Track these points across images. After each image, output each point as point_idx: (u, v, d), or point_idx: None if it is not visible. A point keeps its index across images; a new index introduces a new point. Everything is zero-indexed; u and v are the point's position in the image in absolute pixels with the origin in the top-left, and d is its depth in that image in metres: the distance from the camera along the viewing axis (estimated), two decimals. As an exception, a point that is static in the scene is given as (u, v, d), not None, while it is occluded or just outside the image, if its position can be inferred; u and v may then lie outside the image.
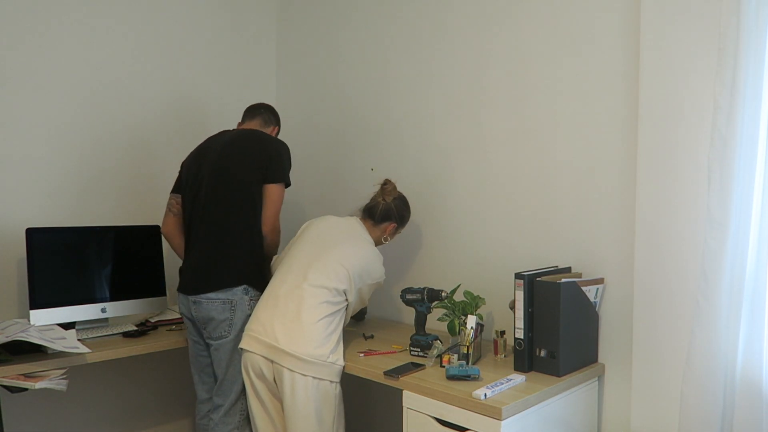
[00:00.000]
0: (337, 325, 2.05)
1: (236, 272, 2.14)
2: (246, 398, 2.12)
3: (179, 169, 2.41)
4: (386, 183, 2.31)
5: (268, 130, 2.41)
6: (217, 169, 2.19)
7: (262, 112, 2.42)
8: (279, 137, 2.44)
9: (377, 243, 2.30)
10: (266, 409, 2.05)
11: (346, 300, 2.09)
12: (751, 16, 1.57)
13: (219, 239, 2.16)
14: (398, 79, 2.67)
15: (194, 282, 2.16)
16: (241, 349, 2.06)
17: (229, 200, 2.17)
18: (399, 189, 2.67)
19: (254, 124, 2.39)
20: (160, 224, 2.63)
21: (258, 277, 2.19)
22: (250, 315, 2.13)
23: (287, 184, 2.26)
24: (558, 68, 2.12)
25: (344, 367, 2.01)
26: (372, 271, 2.17)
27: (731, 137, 1.60)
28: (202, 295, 2.12)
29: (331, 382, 1.98)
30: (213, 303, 2.12)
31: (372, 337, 2.35)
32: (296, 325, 1.97)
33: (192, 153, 2.35)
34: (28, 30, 2.42)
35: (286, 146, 2.29)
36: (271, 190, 2.19)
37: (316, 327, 1.97)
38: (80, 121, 2.57)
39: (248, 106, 2.47)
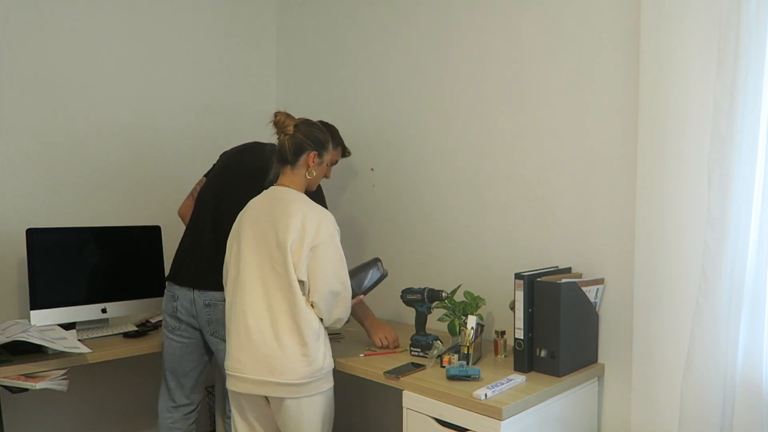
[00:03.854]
0: (319, 322, 1.86)
1: None
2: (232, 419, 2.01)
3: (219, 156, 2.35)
4: (276, 116, 1.91)
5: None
6: (240, 186, 2.13)
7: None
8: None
9: (309, 187, 1.99)
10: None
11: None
12: (751, 16, 1.57)
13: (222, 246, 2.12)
14: (398, 79, 2.67)
15: (205, 278, 2.11)
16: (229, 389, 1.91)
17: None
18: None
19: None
20: (160, 224, 2.66)
21: None
22: None
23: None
24: (558, 68, 2.12)
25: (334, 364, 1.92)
26: (320, 229, 1.84)
27: (731, 137, 1.60)
28: (218, 299, 2.07)
29: (327, 391, 1.88)
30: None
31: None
32: (280, 351, 1.79)
33: (232, 155, 2.27)
34: (27, 29, 2.41)
35: (322, 194, 2.20)
36: None
37: (302, 340, 1.80)
38: (80, 121, 2.56)
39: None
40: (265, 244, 1.85)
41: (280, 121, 1.90)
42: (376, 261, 2.17)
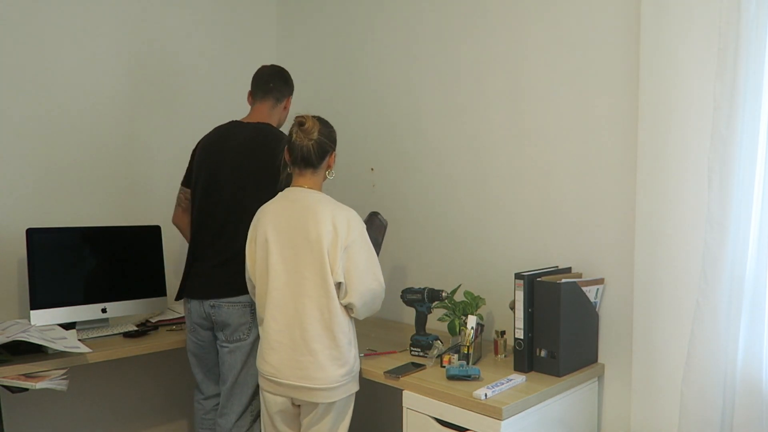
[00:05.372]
0: (350, 320, 1.87)
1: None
2: (256, 400, 2.13)
3: (189, 159, 2.33)
4: (303, 122, 1.86)
5: (281, 106, 2.28)
6: (235, 179, 2.13)
7: (272, 87, 2.23)
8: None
9: (323, 181, 1.97)
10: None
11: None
12: (751, 16, 1.57)
13: (233, 247, 2.11)
14: (398, 79, 2.67)
15: (210, 287, 2.12)
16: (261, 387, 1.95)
17: (240, 203, 2.12)
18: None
19: (267, 106, 2.24)
20: (161, 224, 2.66)
21: None
22: None
23: None
24: (558, 68, 2.12)
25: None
26: (351, 229, 1.82)
27: (731, 138, 1.60)
28: (223, 300, 2.09)
29: (354, 393, 1.90)
30: (234, 307, 2.10)
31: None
32: (311, 357, 1.79)
33: (204, 146, 2.23)
34: (26, 29, 2.41)
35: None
36: None
37: (335, 344, 1.80)
38: (80, 121, 2.57)
39: (256, 73, 2.28)
40: (294, 249, 1.82)
41: (309, 127, 1.84)
42: (375, 215, 2.19)
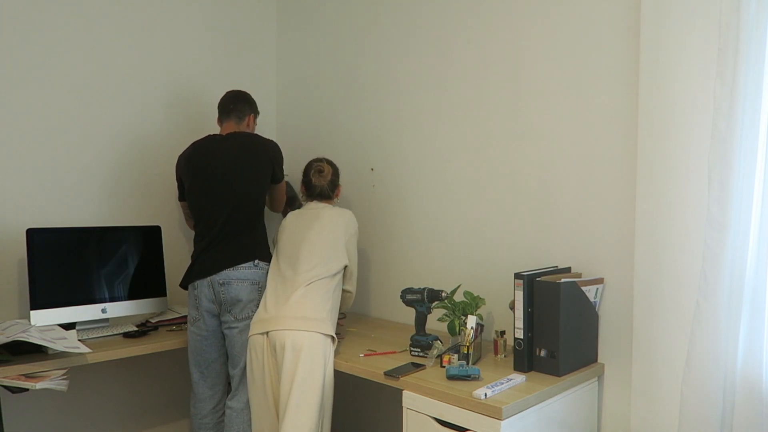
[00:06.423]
0: (334, 295, 2.20)
1: (252, 249, 2.31)
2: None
3: (176, 174, 2.50)
4: (321, 169, 2.39)
5: (244, 123, 2.47)
6: (234, 168, 2.31)
7: (232, 109, 2.45)
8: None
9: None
10: (264, 389, 2.13)
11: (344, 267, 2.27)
12: (751, 16, 1.57)
13: (237, 227, 2.30)
14: (398, 78, 2.67)
15: (219, 262, 2.25)
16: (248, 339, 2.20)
17: (245, 195, 2.31)
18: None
19: (232, 125, 2.43)
20: (161, 224, 2.69)
21: (269, 256, 2.39)
22: None
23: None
24: (558, 68, 2.12)
25: (336, 335, 2.15)
26: (349, 226, 2.34)
27: (731, 137, 1.60)
28: (232, 276, 2.23)
29: (324, 335, 2.06)
30: (243, 283, 2.24)
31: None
32: (290, 302, 2.11)
33: (191, 156, 2.38)
34: (27, 28, 2.41)
35: (279, 147, 2.48)
36: (280, 187, 2.53)
37: (313, 297, 2.12)
38: (80, 121, 2.56)
39: (220, 100, 2.49)
40: (303, 241, 2.24)
41: (326, 174, 2.39)
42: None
